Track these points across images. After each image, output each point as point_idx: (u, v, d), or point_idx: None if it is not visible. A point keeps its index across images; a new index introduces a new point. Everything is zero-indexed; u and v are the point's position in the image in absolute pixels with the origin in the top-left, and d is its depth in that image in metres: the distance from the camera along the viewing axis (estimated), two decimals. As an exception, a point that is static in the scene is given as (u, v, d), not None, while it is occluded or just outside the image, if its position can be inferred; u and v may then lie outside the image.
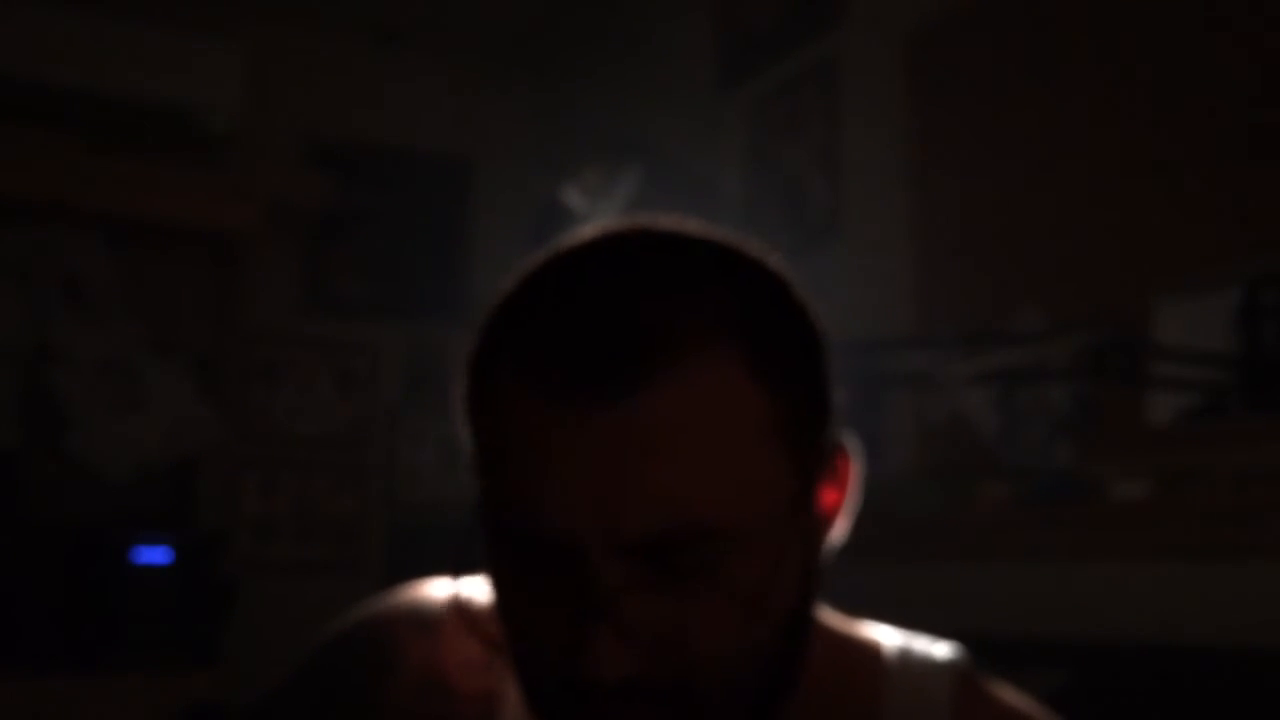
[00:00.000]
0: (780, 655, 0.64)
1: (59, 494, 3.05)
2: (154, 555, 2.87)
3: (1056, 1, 2.18)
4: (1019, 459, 2.09)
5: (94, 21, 3.02)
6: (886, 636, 0.75)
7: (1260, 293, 1.76)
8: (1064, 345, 1.93)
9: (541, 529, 0.59)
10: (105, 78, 3.01)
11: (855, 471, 0.69)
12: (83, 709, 2.72)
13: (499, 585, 0.64)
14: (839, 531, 0.68)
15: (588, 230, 0.67)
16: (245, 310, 3.40)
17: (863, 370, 2.13)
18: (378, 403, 3.54)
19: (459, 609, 0.74)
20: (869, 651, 0.74)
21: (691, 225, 0.69)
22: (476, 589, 0.75)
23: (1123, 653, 1.79)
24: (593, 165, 2.79)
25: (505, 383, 0.61)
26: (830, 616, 0.74)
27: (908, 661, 0.73)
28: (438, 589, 0.80)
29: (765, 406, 0.61)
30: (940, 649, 0.74)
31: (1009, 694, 0.74)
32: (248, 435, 3.38)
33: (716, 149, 2.97)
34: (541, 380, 0.60)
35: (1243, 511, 1.74)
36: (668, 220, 0.69)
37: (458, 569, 0.72)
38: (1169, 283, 1.90)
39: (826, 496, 0.67)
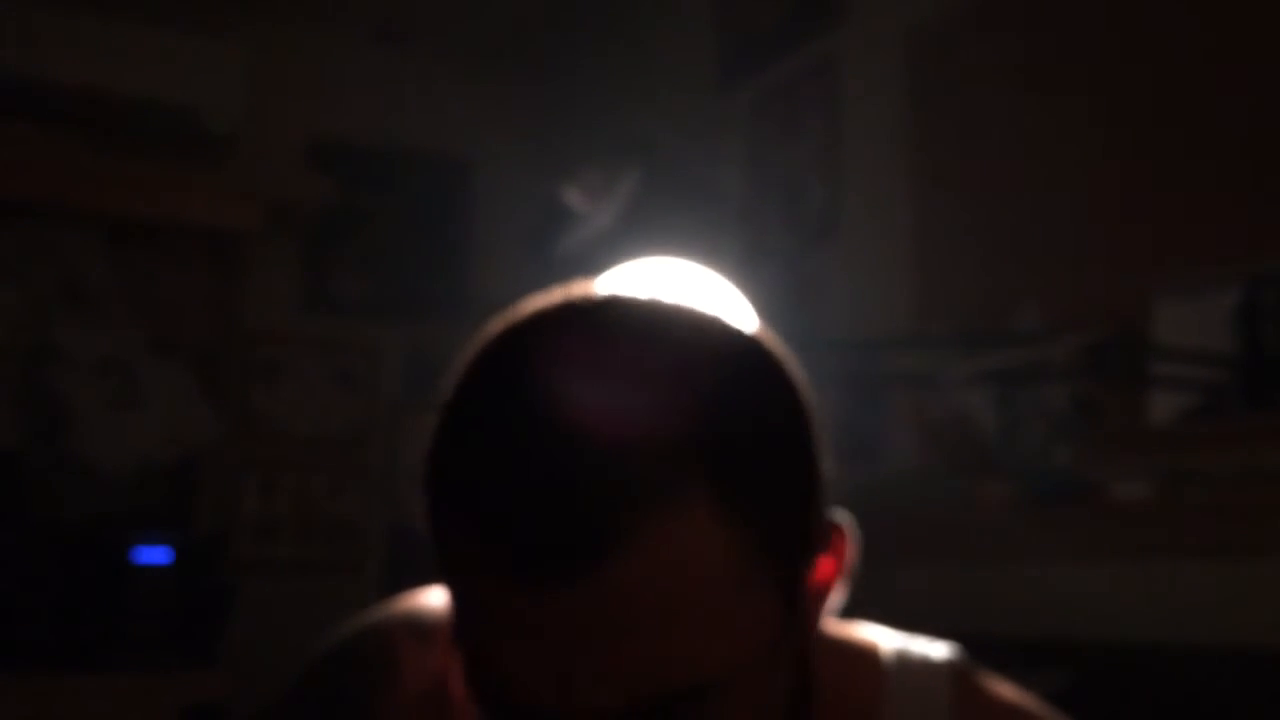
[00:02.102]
0: None
1: (59, 494, 3.05)
2: (154, 555, 2.87)
3: (1056, 1, 2.18)
4: (1019, 459, 2.08)
5: (94, 21, 3.01)
6: (884, 639, 0.75)
7: (1260, 293, 1.76)
8: (1064, 345, 1.93)
9: (513, 702, 0.57)
10: (105, 78, 3.01)
11: (851, 543, 0.66)
12: (82, 709, 2.72)
13: None
14: (834, 602, 0.66)
15: (533, 318, 0.61)
16: (245, 310, 3.40)
17: (863, 370, 2.13)
18: (378, 403, 3.54)
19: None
20: (867, 655, 0.74)
21: (662, 290, 0.63)
22: None
23: (1123, 653, 1.78)
24: (593, 165, 2.80)
25: (457, 546, 0.58)
26: (827, 620, 0.74)
27: (906, 663, 0.73)
28: (435, 598, 0.79)
29: (738, 549, 0.57)
30: (938, 649, 0.74)
31: (1007, 690, 0.74)
32: (248, 435, 3.37)
33: (716, 149, 2.97)
34: (491, 558, 0.56)
35: (1243, 511, 1.74)
36: (634, 287, 0.62)
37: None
38: (1169, 283, 1.90)
39: (822, 569, 0.64)
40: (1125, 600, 1.86)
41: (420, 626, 0.77)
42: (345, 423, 3.52)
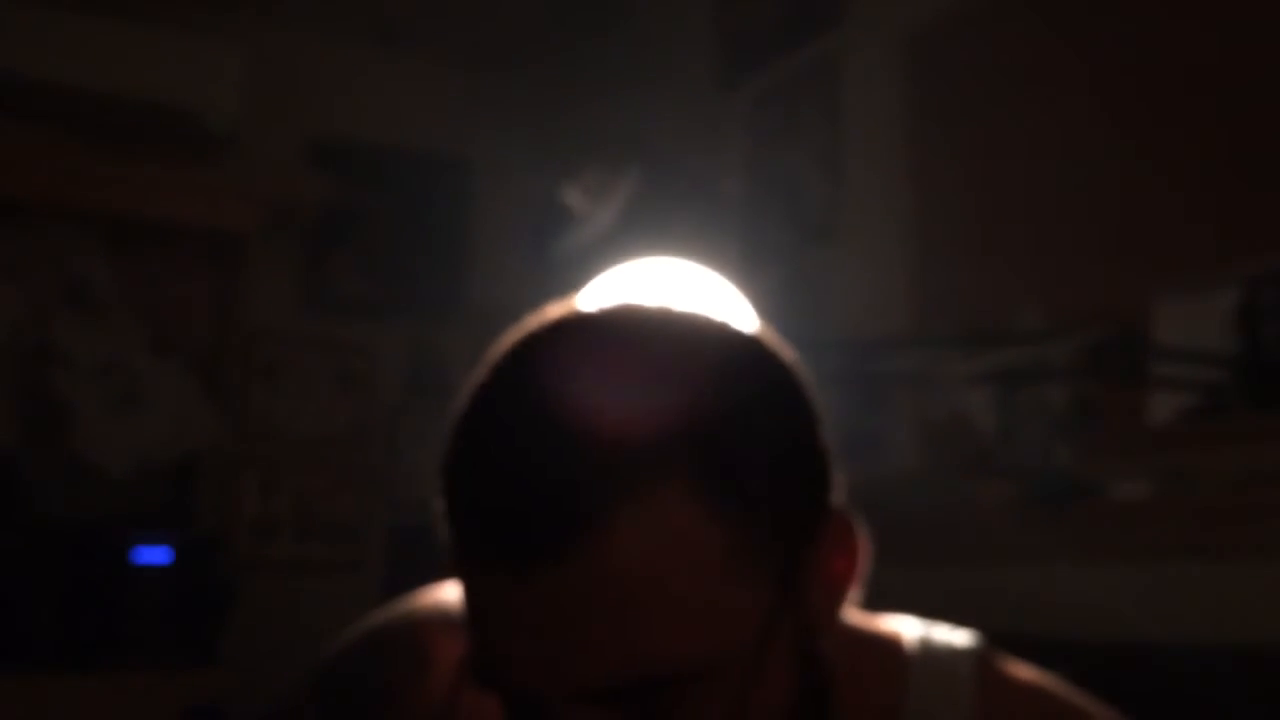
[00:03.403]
0: None
1: (59, 494, 3.05)
2: (154, 555, 2.87)
3: (1056, 1, 2.18)
4: (1019, 459, 2.08)
5: (94, 22, 3.01)
6: (907, 627, 0.76)
7: (1260, 293, 1.76)
8: (1064, 345, 1.93)
9: (507, 683, 0.60)
10: (105, 78, 3.01)
11: (864, 540, 0.67)
12: (82, 708, 2.72)
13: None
14: (851, 598, 0.67)
15: (538, 326, 0.64)
16: (245, 310, 3.40)
17: (863, 370, 2.13)
18: (378, 403, 3.54)
19: None
20: (890, 643, 0.74)
21: (672, 293, 0.65)
22: None
23: (1123, 653, 1.78)
24: (593, 165, 2.80)
25: (457, 536, 0.61)
26: (850, 612, 0.74)
27: (929, 650, 0.74)
28: (456, 591, 0.80)
29: (725, 539, 0.59)
30: (961, 636, 0.75)
31: (1031, 673, 0.75)
32: (248, 435, 3.37)
33: (716, 149, 2.97)
34: (479, 546, 0.59)
35: (1243, 511, 1.74)
36: (643, 293, 0.65)
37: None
38: (1169, 283, 1.90)
39: (834, 564, 0.65)
40: (1125, 600, 1.85)
41: (448, 618, 0.78)
42: (345, 423, 3.52)
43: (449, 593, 0.81)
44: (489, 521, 0.59)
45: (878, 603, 0.81)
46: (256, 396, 3.42)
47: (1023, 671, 0.74)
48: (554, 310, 0.65)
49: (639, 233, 2.28)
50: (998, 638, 0.78)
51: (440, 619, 0.78)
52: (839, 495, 0.67)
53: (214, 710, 2.80)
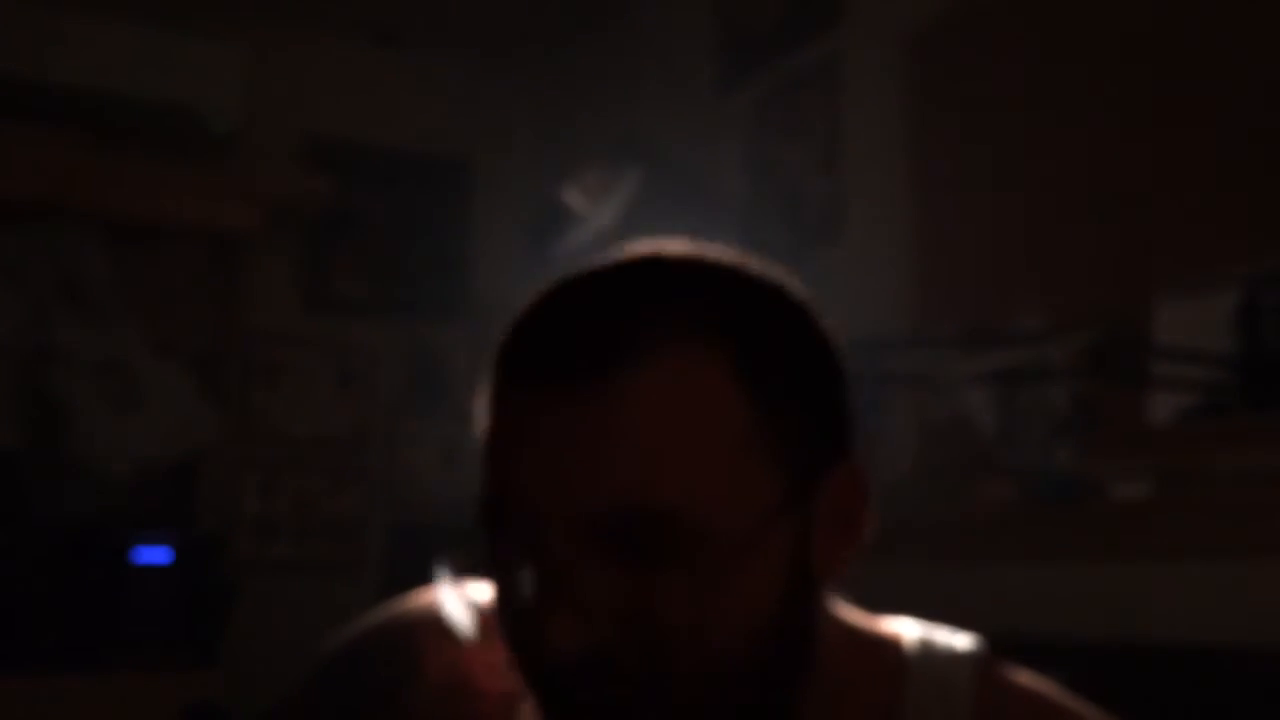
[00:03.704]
0: (765, 659, 0.65)
1: (59, 494, 3.05)
2: (154, 555, 2.87)
3: (1056, 1, 2.18)
4: (1019, 459, 2.08)
5: (94, 21, 3.01)
6: (907, 629, 0.76)
7: (1260, 293, 1.76)
8: (1064, 345, 1.93)
9: (511, 508, 0.63)
10: (106, 77, 3.01)
11: (871, 503, 0.69)
12: (82, 709, 2.72)
13: (493, 575, 0.67)
14: (857, 544, 0.69)
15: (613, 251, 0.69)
16: (245, 310, 3.40)
17: (863, 370, 2.13)
18: (378, 403, 3.54)
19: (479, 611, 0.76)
20: (890, 644, 0.75)
21: (728, 252, 0.70)
22: (483, 592, 0.76)
23: (1123, 653, 1.79)
24: (593, 165, 2.80)
25: (498, 379, 0.66)
26: (851, 612, 0.75)
27: (929, 652, 0.74)
28: (449, 594, 0.81)
29: (748, 412, 0.63)
30: (961, 639, 0.75)
31: (1030, 679, 0.74)
32: (248, 435, 3.37)
33: (716, 149, 2.97)
34: (520, 374, 0.64)
35: (1243, 511, 1.74)
36: (706, 245, 0.70)
37: (462, 572, 0.73)
38: (1169, 283, 1.90)
39: (841, 491, 0.68)
40: (1125, 600, 1.86)
41: (441, 621, 0.78)
42: (345, 423, 3.52)
43: (442, 595, 0.81)
44: (534, 346, 0.64)
45: (878, 603, 0.81)
46: (256, 396, 3.42)
47: (1022, 677, 0.74)
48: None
49: (639, 233, 2.28)
50: (997, 638, 0.78)
51: (433, 621, 0.79)
52: (857, 452, 0.71)
53: (214, 710, 2.79)
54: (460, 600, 0.79)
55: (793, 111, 2.79)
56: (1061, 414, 2.03)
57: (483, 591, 0.77)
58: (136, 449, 3.10)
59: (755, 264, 0.70)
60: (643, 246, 0.69)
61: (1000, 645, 0.80)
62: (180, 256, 3.30)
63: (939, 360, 2.13)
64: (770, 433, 0.64)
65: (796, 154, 2.77)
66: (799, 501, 0.65)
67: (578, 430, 0.61)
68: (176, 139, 3.20)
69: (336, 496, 3.48)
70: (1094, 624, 1.87)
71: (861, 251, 2.53)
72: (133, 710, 2.75)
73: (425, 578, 0.83)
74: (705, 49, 3.08)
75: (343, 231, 3.55)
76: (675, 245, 0.69)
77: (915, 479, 2.29)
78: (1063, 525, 1.98)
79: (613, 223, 2.58)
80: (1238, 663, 1.67)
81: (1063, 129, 2.12)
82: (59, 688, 2.71)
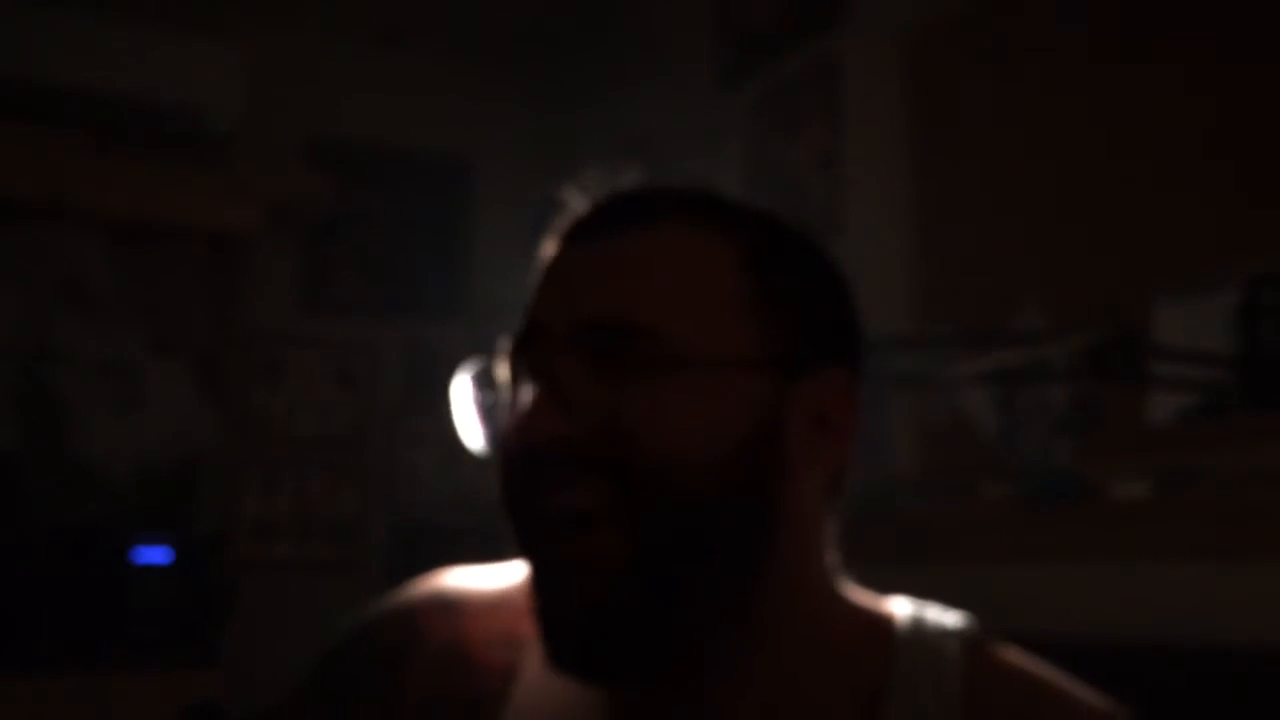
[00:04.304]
0: (722, 502, 0.68)
1: (59, 494, 3.05)
2: (154, 555, 2.87)
3: (1056, 1, 2.18)
4: (1019, 459, 2.09)
5: (94, 22, 3.02)
6: (900, 606, 0.78)
7: (1260, 293, 1.76)
8: (1064, 345, 1.93)
9: (527, 320, 0.73)
10: (106, 78, 3.01)
11: (860, 400, 0.76)
12: (83, 709, 2.72)
13: (514, 402, 0.75)
14: (840, 451, 0.75)
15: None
16: (245, 310, 3.40)
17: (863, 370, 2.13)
18: (378, 403, 3.54)
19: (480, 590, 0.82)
20: (882, 619, 0.76)
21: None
22: (490, 576, 0.82)
23: (1123, 653, 1.79)
24: (593, 165, 2.80)
25: (543, 251, 0.77)
26: (850, 589, 0.77)
27: (920, 628, 0.75)
28: (455, 575, 0.86)
29: (744, 285, 0.71)
30: (951, 617, 0.77)
31: (1020, 656, 0.76)
32: (248, 435, 3.38)
33: (717, 149, 2.97)
34: (557, 237, 0.76)
35: (1243, 511, 1.74)
36: None
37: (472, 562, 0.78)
38: (1169, 283, 1.90)
39: (828, 390, 0.74)
40: (1125, 600, 1.86)
41: (443, 598, 0.83)
42: (345, 423, 3.52)
43: (447, 579, 0.85)
44: (573, 216, 0.76)
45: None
46: (256, 396, 3.42)
47: (1012, 654, 0.76)
48: None
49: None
50: (996, 637, 0.78)
51: (436, 601, 0.82)
52: (859, 368, 0.79)
53: (214, 710, 2.80)
54: (464, 577, 0.84)
55: (793, 111, 2.79)
56: (1061, 414, 2.03)
57: (485, 574, 0.82)
58: (137, 449, 3.10)
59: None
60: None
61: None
62: (180, 256, 3.30)
63: (939, 360, 2.13)
64: (763, 306, 0.71)
65: (796, 153, 2.77)
66: (779, 370, 0.71)
67: (586, 266, 0.72)
68: (176, 139, 3.20)
69: (336, 496, 3.48)
70: (1094, 624, 1.87)
71: (861, 251, 2.53)
72: (133, 710, 2.76)
73: (424, 576, 0.85)
74: (705, 48, 3.08)
75: (343, 231, 3.56)
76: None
77: (916, 479, 2.29)
78: (1063, 525, 1.98)
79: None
80: (1237, 663, 1.67)
81: (1062, 128, 2.12)
82: (59, 688, 2.71)
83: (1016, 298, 2.14)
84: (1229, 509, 1.75)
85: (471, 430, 0.77)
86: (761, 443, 0.70)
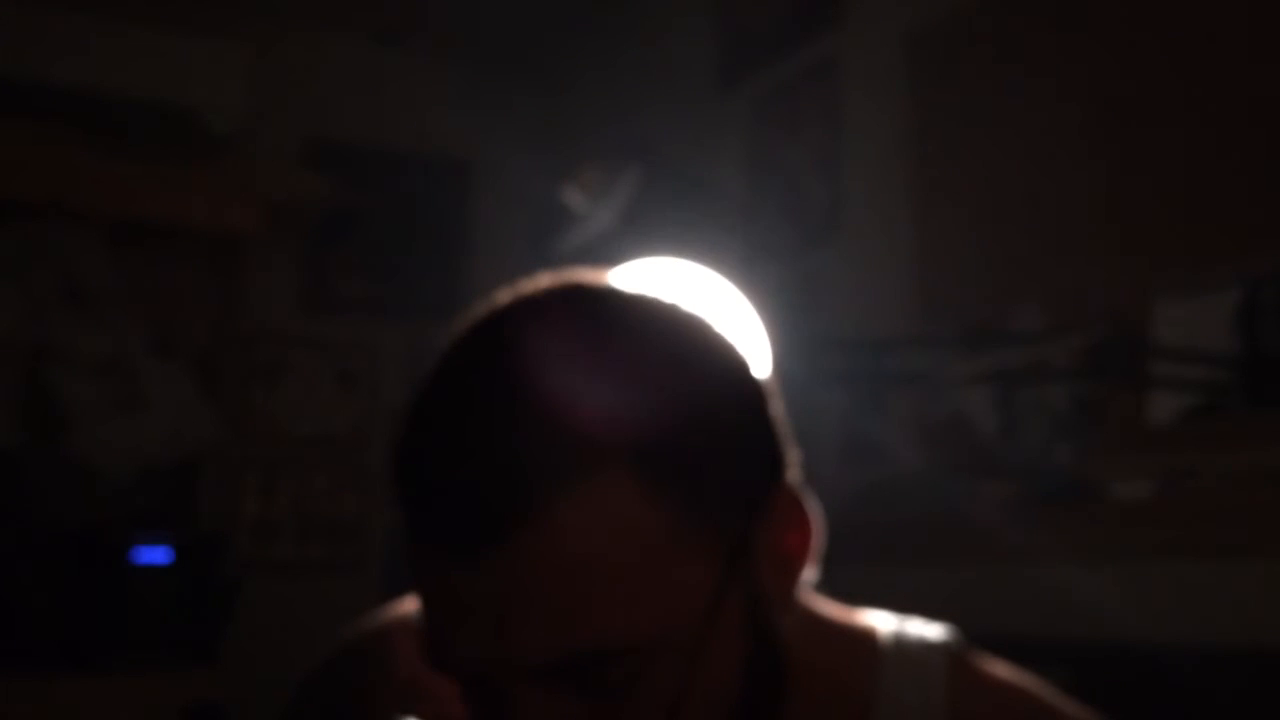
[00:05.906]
0: (746, 714, 0.65)
1: (59, 494, 3.05)
2: (154, 555, 2.87)
3: (1056, 1, 2.18)
4: (1019, 459, 2.08)
5: (95, 21, 3.01)
6: (881, 621, 0.76)
7: (1260, 293, 1.76)
8: (1064, 345, 1.93)
9: (459, 669, 0.62)
10: (106, 78, 3.01)
11: (814, 515, 0.68)
12: (83, 709, 2.72)
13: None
14: (806, 561, 0.69)
15: (498, 308, 0.67)
16: (245, 310, 3.40)
17: (863, 370, 2.13)
18: (378, 403, 3.54)
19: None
20: (863, 636, 0.75)
21: (610, 278, 0.68)
22: None
23: (1123, 653, 1.78)
24: (593, 165, 2.80)
25: (406, 520, 0.64)
26: (826, 605, 0.76)
27: (903, 643, 0.74)
28: None
29: (667, 521, 0.61)
30: (934, 630, 0.76)
31: (1004, 670, 0.75)
32: (248, 435, 3.37)
33: (717, 149, 2.97)
34: (428, 533, 0.62)
35: (1243, 511, 1.74)
36: (587, 275, 0.68)
37: None
38: (1169, 283, 1.90)
39: (786, 540, 0.67)
40: (1125, 600, 1.85)
41: (412, 623, 0.81)
42: (345, 423, 3.52)
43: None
44: (435, 508, 0.61)
45: (878, 602, 0.81)
46: (256, 396, 3.42)
47: (996, 668, 0.75)
48: (502, 295, 0.68)
49: (639, 233, 2.28)
50: (996, 638, 0.79)
51: (405, 624, 0.83)
52: (792, 471, 0.69)
53: (214, 710, 2.80)
54: None
55: (793, 111, 2.79)
56: (1061, 414, 2.03)
57: None
58: (136, 449, 3.10)
59: (666, 307, 0.67)
60: (518, 320, 0.66)
61: (999, 645, 0.80)
62: (180, 256, 3.30)
63: (939, 360, 2.13)
64: (695, 525, 0.62)
65: (796, 153, 2.77)
66: (738, 570, 0.64)
67: (504, 591, 0.59)
68: (176, 139, 3.20)
69: (336, 496, 3.48)
70: (1094, 624, 1.87)
71: (861, 251, 2.53)
72: (133, 710, 2.75)
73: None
74: (705, 48, 3.08)
75: (343, 231, 3.55)
76: (558, 308, 0.66)
77: (916, 479, 2.29)
78: (1063, 525, 1.98)
79: (613, 223, 2.58)
80: (1238, 663, 1.67)
81: (1062, 128, 2.12)
82: (59, 688, 2.71)
83: (1016, 298, 2.14)
84: (1229, 509, 1.75)
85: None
86: (755, 631, 0.66)
